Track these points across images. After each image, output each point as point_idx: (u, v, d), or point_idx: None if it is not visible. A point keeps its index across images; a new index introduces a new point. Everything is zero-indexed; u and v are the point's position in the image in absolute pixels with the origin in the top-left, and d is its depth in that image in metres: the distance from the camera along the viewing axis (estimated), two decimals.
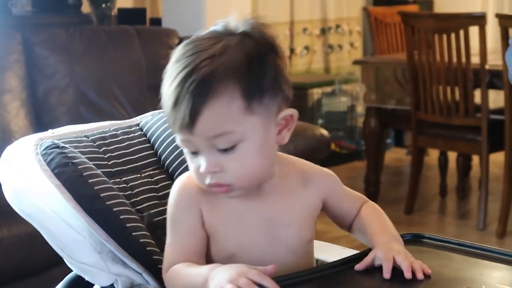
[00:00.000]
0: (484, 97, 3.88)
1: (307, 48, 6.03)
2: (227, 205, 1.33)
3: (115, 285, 1.42)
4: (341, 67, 6.08)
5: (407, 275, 1.22)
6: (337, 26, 6.19)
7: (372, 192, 4.41)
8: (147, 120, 1.69)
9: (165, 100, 1.26)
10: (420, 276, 1.22)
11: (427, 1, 6.19)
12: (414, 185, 4.27)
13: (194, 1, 4.03)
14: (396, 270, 1.23)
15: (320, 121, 5.40)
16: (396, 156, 5.62)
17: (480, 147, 3.97)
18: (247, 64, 1.24)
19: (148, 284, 1.42)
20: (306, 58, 6.05)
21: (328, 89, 5.56)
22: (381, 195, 4.51)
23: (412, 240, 1.39)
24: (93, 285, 1.47)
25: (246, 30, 1.28)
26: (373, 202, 1.45)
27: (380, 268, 1.25)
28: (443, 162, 4.57)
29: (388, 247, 1.28)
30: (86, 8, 4.29)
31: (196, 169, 1.28)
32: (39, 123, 3.12)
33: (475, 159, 4.75)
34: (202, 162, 1.26)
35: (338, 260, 1.31)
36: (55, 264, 2.60)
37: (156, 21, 4.41)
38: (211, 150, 1.25)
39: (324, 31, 6.14)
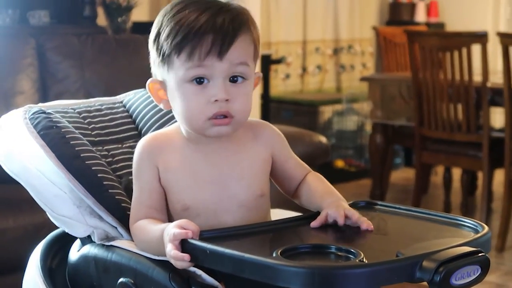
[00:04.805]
0: (486, 114, 3.95)
1: (319, 67, 6.13)
2: (182, 161, 1.44)
3: (92, 236, 1.54)
4: (352, 87, 6.15)
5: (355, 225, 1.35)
6: (350, 47, 6.29)
7: None
8: (130, 97, 1.82)
9: (188, 31, 1.38)
10: (364, 227, 1.34)
11: (438, 23, 6.27)
12: (417, 199, 4.33)
13: None
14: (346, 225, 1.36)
15: (332, 140, 5.48)
16: (404, 175, 5.68)
17: (482, 163, 4.04)
18: (251, 18, 1.44)
19: (122, 236, 1.54)
20: (318, 77, 6.14)
21: (339, 107, 5.65)
22: None
23: (366, 207, 1.49)
24: (71, 243, 1.58)
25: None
26: (316, 172, 1.54)
27: (331, 225, 1.37)
28: (447, 179, 4.62)
29: (337, 204, 1.40)
30: (101, 20, 4.43)
31: (204, 101, 1.40)
32: None
33: (481, 178, 4.80)
34: (214, 91, 1.39)
35: (291, 217, 1.42)
36: None
37: None
38: (225, 81, 1.40)
39: (336, 51, 6.24)
